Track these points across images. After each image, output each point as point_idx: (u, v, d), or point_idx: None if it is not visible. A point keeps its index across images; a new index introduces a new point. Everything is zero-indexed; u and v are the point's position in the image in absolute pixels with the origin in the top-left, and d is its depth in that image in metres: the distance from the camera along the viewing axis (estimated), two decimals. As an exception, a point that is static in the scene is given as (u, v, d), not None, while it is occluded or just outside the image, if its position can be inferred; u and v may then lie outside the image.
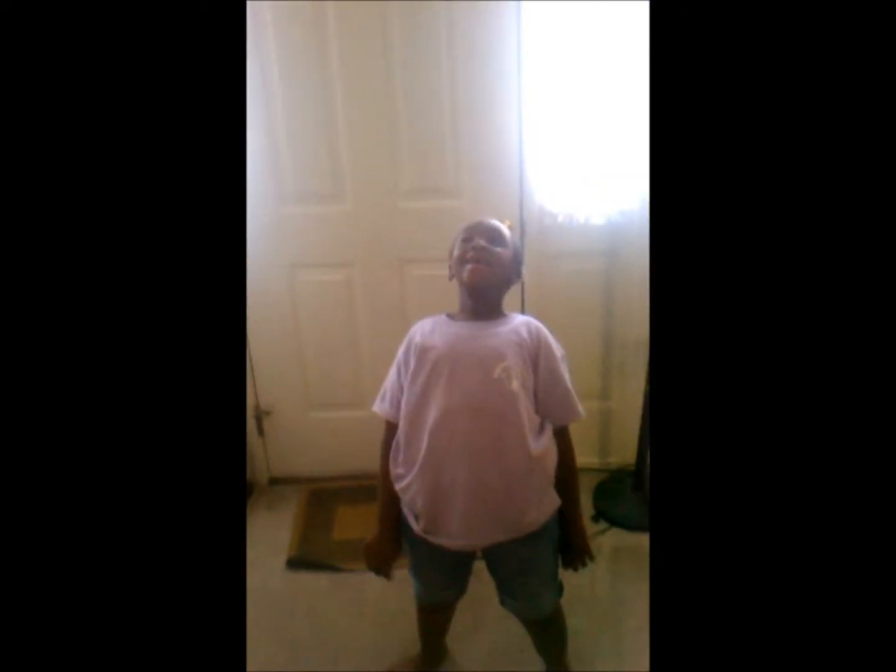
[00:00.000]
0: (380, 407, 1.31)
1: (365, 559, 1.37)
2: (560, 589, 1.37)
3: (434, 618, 1.53)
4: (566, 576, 1.38)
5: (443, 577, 1.38)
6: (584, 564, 1.35)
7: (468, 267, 1.22)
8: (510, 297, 2.11)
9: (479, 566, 1.59)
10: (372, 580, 1.87)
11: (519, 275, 1.32)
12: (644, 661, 1.62)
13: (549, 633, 1.47)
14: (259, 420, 2.35)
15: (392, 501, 1.31)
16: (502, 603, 1.39)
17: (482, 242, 1.23)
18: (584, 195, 1.98)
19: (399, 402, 1.26)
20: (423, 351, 1.21)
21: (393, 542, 1.35)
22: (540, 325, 1.25)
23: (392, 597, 1.82)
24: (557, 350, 1.24)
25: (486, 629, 1.72)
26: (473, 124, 1.97)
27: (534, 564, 1.30)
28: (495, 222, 1.28)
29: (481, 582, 1.80)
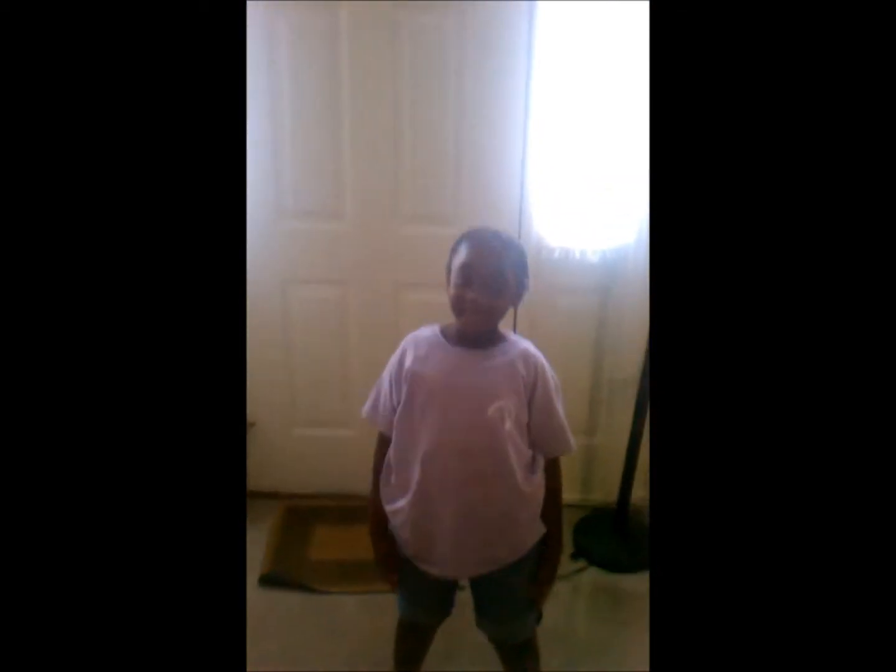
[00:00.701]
0: (371, 417, 1.30)
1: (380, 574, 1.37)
2: (539, 616, 1.38)
3: (413, 637, 1.50)
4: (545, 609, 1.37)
5: (428, 598, 1.38)
6: (541, 599, 1.34)
7: (463, 318, 1.17)
8: (501, 327, 2.12)
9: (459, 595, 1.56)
10: (346, 602, 1.87)
11: (521, 295, 1.21)
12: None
13: (522, 661, 1.45)
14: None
15: (383, 517, 1.31)
16: (479, 625, 1.39)
17: (480, 298, 1.13)
18: (582, 230, 2.00)
19: (391, 417, 1.25)
20: (415, 379, 1.19)
21: (392, 553, 1.34)
22: (538, 355, 1.22)
23: (365, 621, 1.80)
24: (553, 381, 1.22)
25: (461, 658, 1.70)
26: (477, 154, 1.99)
27: (515, 589, 1.30)
28: (496, 252, 1.14)
29: (456, 611, 1.79)
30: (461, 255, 1.16)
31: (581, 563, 2.06)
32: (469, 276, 1.14)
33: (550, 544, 1.29)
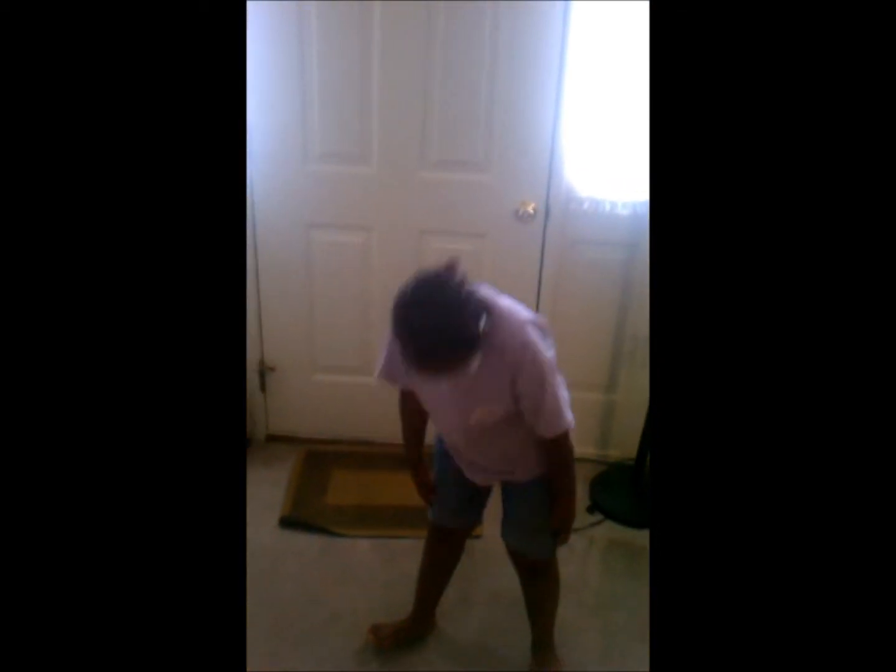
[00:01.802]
0: (387, 379, 1.30)
1: (419, 494, 1.48)
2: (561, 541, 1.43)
3: (443, 543, 1.54)
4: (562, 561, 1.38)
5: (459, 502, 1.46)
6: (563, 539, 1.39)
7: (426, 376, 1.10)
8: (525, 283, 2.09)
9: (470, 546, 1.59)
10: (362, 547, 1.90)
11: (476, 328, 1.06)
12: (629, 656, 1.62)
13: (542, 584, 1.50)
14: (262, 376, 2.34)
15: (415, 443, 1.42)
16: (504, 535, 1.44)
17: (434, 367, 1.07)
18: (613, 183, 1.95)
19: (406, 377, 1.23)
20: (411, 388, 1.29)
21: (425, 468, 1.45)
22: (523, 345, 1.12)
23: (381, 566, 1.83)
24: (542, 364, 1.14)
25: (476, 605, 1.73)
26: (510, 100, 1.93)
27: (540, 506, 1.35)
28: (423, 337, 1.03)
29: (471, 560, 1.81)
30: (397, 337, 1.08)
31: (597, 517, 2.07)
32: (415, 362, 1.06)
33: (559, 494, 1.32)
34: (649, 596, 0.76)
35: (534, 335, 1.13)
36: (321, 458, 2.31)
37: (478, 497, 1.45)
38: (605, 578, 1.87)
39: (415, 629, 1.62)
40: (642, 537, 1.99)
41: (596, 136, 1.90)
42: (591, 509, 2.10)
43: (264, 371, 2.34)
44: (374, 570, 1.83)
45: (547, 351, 1.15)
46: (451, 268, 1.06)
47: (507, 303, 1.15)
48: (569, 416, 1.21)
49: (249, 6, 1.86)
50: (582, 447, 1.30)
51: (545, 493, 1.33)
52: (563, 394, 1.20)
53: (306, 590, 1.76)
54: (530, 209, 1.99)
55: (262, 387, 2.36)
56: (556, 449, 1.26)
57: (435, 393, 1.24)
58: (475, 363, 1.07)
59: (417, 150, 2.01)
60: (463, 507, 1.47)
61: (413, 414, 1.36)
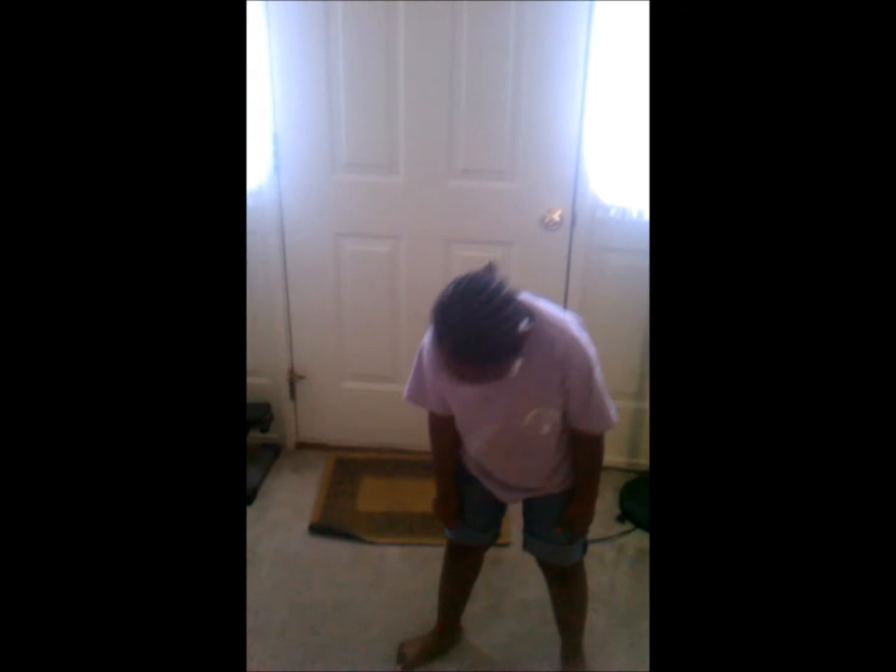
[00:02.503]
0: (415, 399, 1.31)
1: (435, 515, 1.45)
2: (584, 547, 1.41)
3: (462, 564, 1.54)
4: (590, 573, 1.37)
5: (482, 518, 1.43)
6: (575, 533, 1.37)
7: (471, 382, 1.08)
8: (552, 291, 2.08)
9: (497, 555, 1.59)
10: (392, 554, 1.91)
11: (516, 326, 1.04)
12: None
13: (569, 591, 1.49)
14: (292, 384, 2.37)
15: (447, 470, 1.38)
16: (526, 546, 1.43)
17: (476, 375, 1.06)
18: (639, 189, 1.94)
19: (436, 399, 1.27)
20: (447, 391, 1.22)
21: (454, 495, 1.40)
22: (570, 340, 1.12)
23: (410, 574, 1.83)
24: (590, 360, 1.14)
25: (505, 617, 1.72)
26: (535, 108, 1.93)
27: (557, 515, 1.34)
28: (462, 343, 1.01)
29: (499, 570, 1.81)
30: (432, 344, 1.08)
31: (626, 526, 2.05)
32: (454, 373, 1.05)
33: (583, 495, 1.32)
34: (649, 597, 0.76)
35: (578, 330, 1.15)
36: (351, 465, 2.33)
37: (499, 512, 1.45)
38: (635, 587, 1.85)
39: (441, 642, 1.62)
40: (673, 546, 1.97)
41: (621, 143, 1.89)
42: (620, 518, 2.08)
43: (294, 379, 2.36)
44: (404, 577, 1.83)
45: (589, 346, 1.16)
46: (489, 270, 1.06)
47: (546, 304, 1.16)
48: (613, 410, 1.21)
49: (275, 20, 1.90)
50: (612, 456, 1.29)
51: (568, 503, 1.33)
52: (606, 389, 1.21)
53: (336, 596, 1.78)
54: (556, 217, 1.99)
55: (293, 395, 2.38)
56: (592, 448, 1.26)
57: (476, 403, 1.20)
58: (517, 365, 1.06)
59: (444, 159, 2.02)
60: (485, 525, 1.45)
61: (445, 440, 1.34)
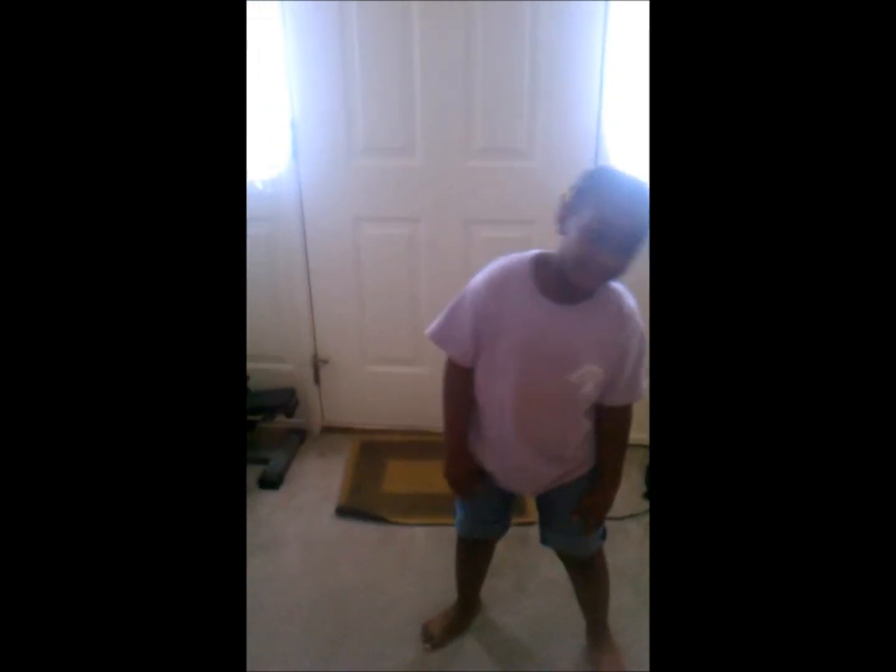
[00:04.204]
0: (440, 339, 1.21)
1: (450, 484, 1.36)
2: (603, 533, 1.39)
3: (474, 556, 1.53)
4: (611, 549, 1.37)
5: (492, 512, 1.41)
6: (591, 527, 1.33)
7: (582, 277, 1.06)
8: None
9: (524, 533, 1.58)
10: (418, 535, 1.92)
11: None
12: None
13: (591, 578, 1.48)
14: (316, 368, 2.39)
15: (460, 428, 1.30)
16: (544, 541, 1.41)
17: (612, 262, 1.03)
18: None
19: (464, 348, 1.19)
20: (501, 331, 1.14)
21: (469, 461, 1.32)
22: (635, 314, 1.13)
23: (436, 554, 1.85)
24: (645, 335, 1.14)
25: (529, 595, 1.73)
26: (553, 86, 1.91)
27: (573, 505, 1.31)
28: (641, 210, 0.98)
29: (525, 548, 1.81)
30: (597, 205, 1.02)
31: (653, 504, 2.05)
32: (607, 236, 1.01)
33: (606, 476, 1.29)
34: (649, 601, 0.76)
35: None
36: (376, 448, 2.35)
37: (509, 503, 1.41)
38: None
39: (463, 616, 1.63)
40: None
41: (641, 118, 1.86)
42: (646, 495, 2.08)
43: (318, 364, 2.38)
44: (431, 558, 1.85)
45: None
46: None
47: None
48: (646, 382, 1.19)
49: (290, 8, 1.89)
50: (639, 433, 1.27)
51: (580, 491, 1.30)
52: None
53: (364, 577, 1.80)
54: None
55: (317, 379, 2.40)
56: (623, 422, 1.24)
57: (527, 346, 1.13)
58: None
59: (461, 139, 2.01)
60: (496, 517, 1.42)
61: (460, 393, 1.26)
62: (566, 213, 1.09)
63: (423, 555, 1.87)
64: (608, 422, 1.24)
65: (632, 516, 1.97)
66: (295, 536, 1.95)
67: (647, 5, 1.72)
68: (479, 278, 1.17)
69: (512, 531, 1.49)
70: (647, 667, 1.36)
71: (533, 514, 1.45)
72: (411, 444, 2.34)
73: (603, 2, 1.79)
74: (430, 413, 2.26)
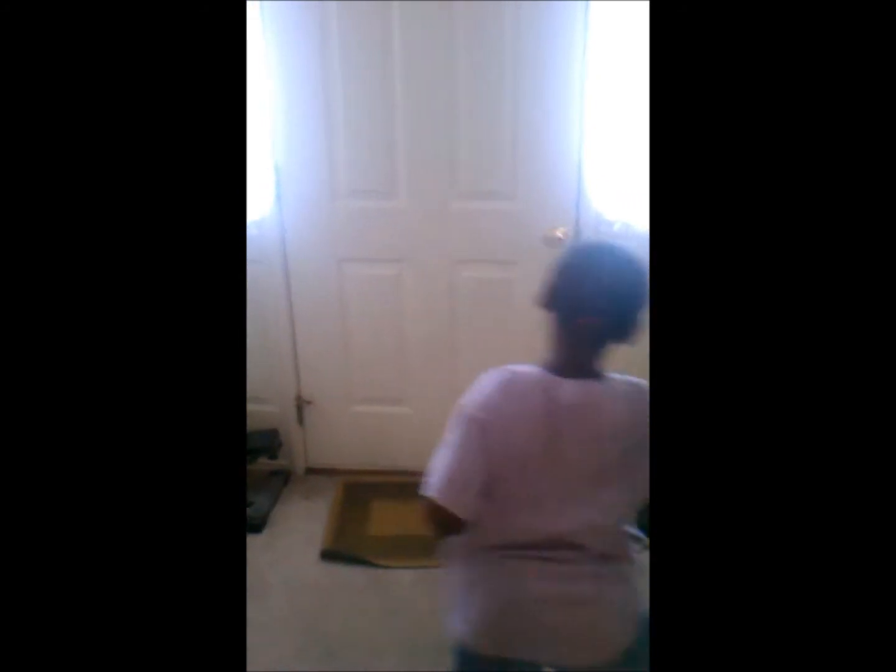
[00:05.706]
0: (454, 503, 1.03)
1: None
2: None
3: None
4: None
5: None
6: None
7: (577, 351, 1.03)
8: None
9: None
10: (405, 578, 1.89)
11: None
12: None
13: None
14: (300, 409, 2.37)
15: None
16: None
17: (599, 322, 1.02)
18: (642, 203, 1.95)
19: (471, 492, 1.03)
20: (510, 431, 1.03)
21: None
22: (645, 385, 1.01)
23: (425, 597, 1.82)
24: None
25: None
26: (534, 127, 1.95)
27: None
28: (639, 280, 1.00)
29: None
30: (592, 282, 1.02)
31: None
32: (605, 310, 1.01)
33: None
34: (650, 603, 0.75)
35: None
36: (361, 490, 2.32)
37: None
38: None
39: None
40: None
41: (622, 158, 1.90)
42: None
43: (301, 404, 2.36)
44: (419, 601, 1.82)
45: None
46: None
47: None
48: None
49: (273, 48, 1.92)
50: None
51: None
52: None
53: (351, 623, 1.76)
54: (559, 234, 1.99)
55: (300, 420, 2.38)
56: None
57: (543, 454, 1.01)
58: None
59: (445, 181, 2.03)
60: None
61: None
62: (548, 295, 1.07)
63: (409, 599, 1.84)
64: None
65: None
66: (280, 581, 1.92)
67: (626, 34, 1.78)
68: (473, 403, 1.04)
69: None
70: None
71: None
72: (396, 485, 2.31)
73: (582, 42, 1.84)
74: (415, 452, 2.25)
